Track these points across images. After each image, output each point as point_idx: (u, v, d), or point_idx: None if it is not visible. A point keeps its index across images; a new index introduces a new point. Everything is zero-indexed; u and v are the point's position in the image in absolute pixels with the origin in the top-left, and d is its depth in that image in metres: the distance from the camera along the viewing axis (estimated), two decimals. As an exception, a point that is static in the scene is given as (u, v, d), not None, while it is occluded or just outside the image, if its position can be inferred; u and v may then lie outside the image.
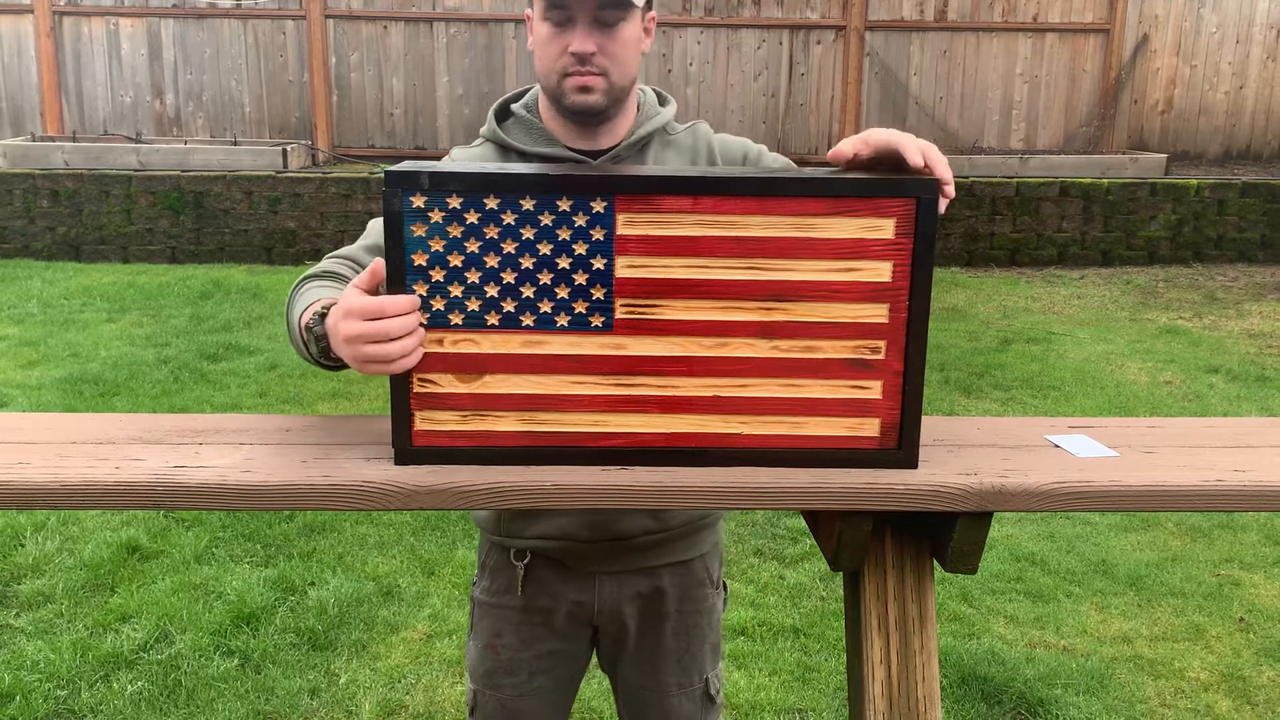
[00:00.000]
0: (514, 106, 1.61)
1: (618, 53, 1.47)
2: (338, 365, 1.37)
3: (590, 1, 1.43)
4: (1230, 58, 9.88)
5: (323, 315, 1.31)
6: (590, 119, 1.52)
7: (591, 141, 1.56)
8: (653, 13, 1.57)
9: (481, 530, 1.71)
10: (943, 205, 1.24)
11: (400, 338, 1.21)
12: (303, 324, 1.35)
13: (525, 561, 1.63)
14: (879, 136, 1.28)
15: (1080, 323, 6.74)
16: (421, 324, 1.24)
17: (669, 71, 9.42)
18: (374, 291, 1.25)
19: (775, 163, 1.64)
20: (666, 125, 1.60)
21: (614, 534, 1.60)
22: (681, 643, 1.70)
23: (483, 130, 1.61)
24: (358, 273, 1.46)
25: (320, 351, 1.32)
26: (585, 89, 1.47)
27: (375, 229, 1.54)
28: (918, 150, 1.24)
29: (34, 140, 8.79)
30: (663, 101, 1.66)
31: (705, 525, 1.69)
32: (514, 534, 1.63)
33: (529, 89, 1.63)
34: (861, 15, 9.37)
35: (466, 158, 1.60)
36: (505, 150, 1.57)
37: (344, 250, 1.53)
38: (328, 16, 9.20)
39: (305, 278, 1.48)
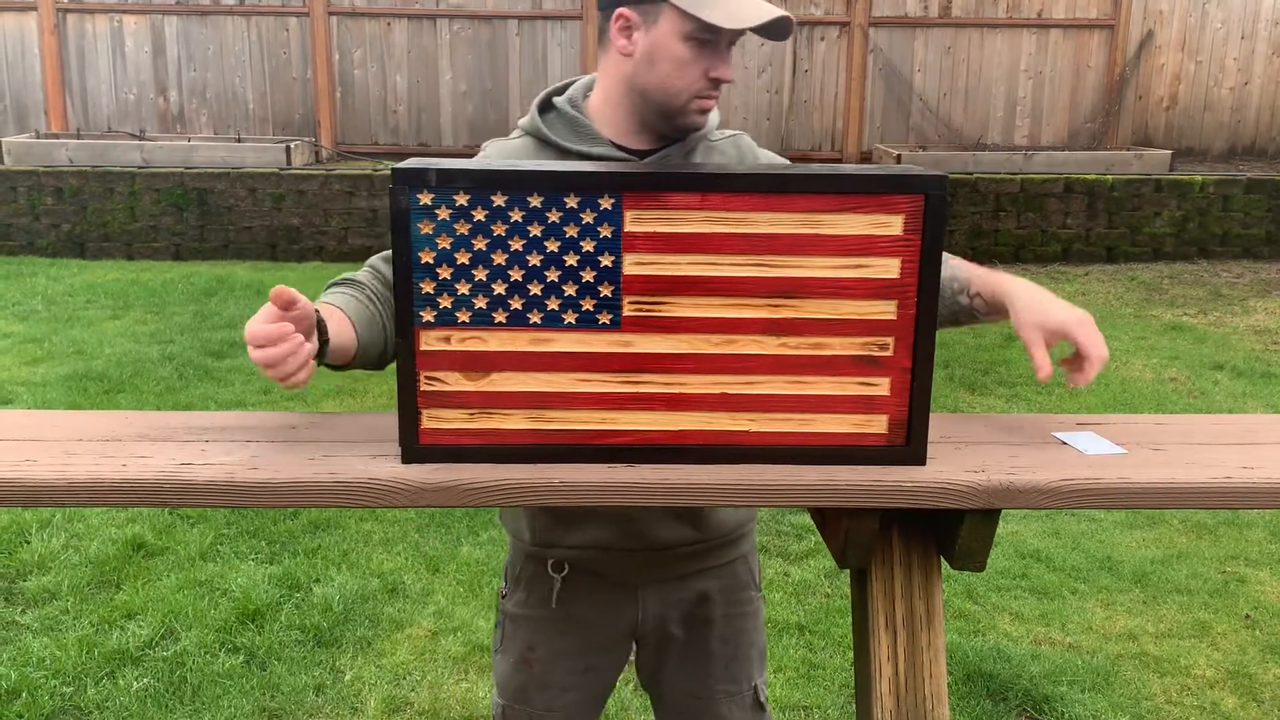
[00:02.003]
0: (557, 100, 1.57)
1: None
2: (342, 367, 1.40)
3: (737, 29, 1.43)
4: (1235, 53, 9.84)
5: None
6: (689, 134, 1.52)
7: (641, 142, 1.52)
8: None
9: (512, 541, 1.66)
10: (1090, 375, 1.42)
11: (278, 364, 1.20)
12: None
13: (564, 573, 1.58)
14: (1054, 320, 1.47)
15: (1085, 319, 6.71)
16: (429, 321, 1.24)
17: (672, 68, 9.40)
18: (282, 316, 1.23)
19: None
20: (709, 132, 1.58)
21: (655, 543, 1.55)
22: (729, 648, 1.66)
23: (522, 122, 1.57)
24: (373, 283, 1.46)
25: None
26: (705, 111, 1.48)
27: None
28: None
29: (38, 137, 8.78)
30: None
31: (744, 533, 1.66)
32: (550, 543, 1.58)
33: (570, 83, 1.59)
34: (865, 11, 9.34)
35: (502, 152, 1.55)
36: (545, 145, 1.52)
37: (374, 257, 1.51)
38: (331, 13, 9.20)
39: (336, 281, 1.47)
